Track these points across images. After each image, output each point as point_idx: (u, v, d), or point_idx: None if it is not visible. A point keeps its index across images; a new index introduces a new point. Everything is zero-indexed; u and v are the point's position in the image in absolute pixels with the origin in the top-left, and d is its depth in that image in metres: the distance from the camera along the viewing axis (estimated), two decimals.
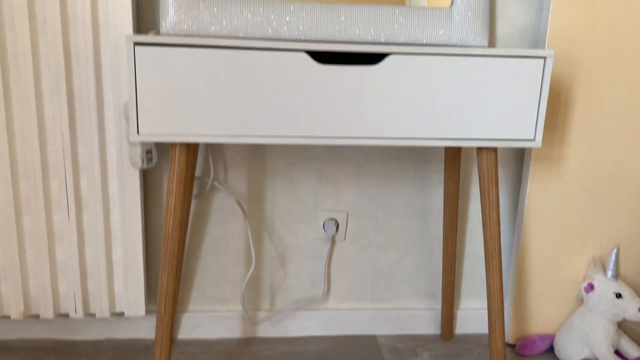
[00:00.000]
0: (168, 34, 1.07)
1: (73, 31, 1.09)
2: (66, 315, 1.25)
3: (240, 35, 1.10)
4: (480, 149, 1.02)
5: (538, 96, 0.96)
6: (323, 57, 0.91)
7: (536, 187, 1.26)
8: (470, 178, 1.33)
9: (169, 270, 0.97)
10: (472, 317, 1.41)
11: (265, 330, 1.36)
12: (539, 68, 0.95)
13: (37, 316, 1.25)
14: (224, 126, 0.91)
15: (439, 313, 1.40)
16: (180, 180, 0.96)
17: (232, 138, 0.91)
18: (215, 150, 1.25)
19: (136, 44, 0.86)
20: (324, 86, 0.91)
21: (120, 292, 1.23)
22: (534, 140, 0.98)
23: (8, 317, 1.23)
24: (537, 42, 1.26)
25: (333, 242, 1.34)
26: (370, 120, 0.93)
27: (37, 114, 1.11)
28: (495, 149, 1.01)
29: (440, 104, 0.94)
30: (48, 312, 1.20)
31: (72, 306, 1.21)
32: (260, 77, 0.89)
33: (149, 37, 0.86)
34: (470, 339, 1.38)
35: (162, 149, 1.23)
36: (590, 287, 1.25)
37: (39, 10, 1.08)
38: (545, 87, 0.96)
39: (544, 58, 0.94)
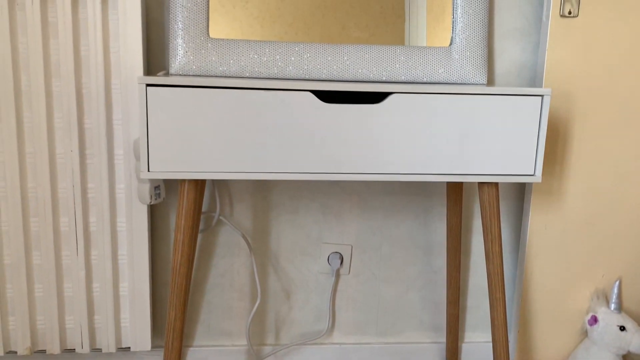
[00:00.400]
0: (177, 74, 1.11)
1: (85, 72, 1.13)
2: (72, 351, 1.26)
3: (247, 74, 1.14)
4: (481, 184, 1.04)
5: (537, 132, 0.99)
6: (328, 96, 0.94)
7: (537, 220, 1.28)
8: (472, 211, 1.35)
9: (177, 305, 0.99)
10: (477, 350, 1.41)
11: None
12: (537, 105, 0.98)
13: (43, 351, 1.25)
14: (232, 163, 0.94)
15: (444, 346, 1.40)
16: (189, 216, 0.98)
17: (239, 175, 0.94)
18: (221, 185, 1.28)
19: (148, 85, 0.90)
20: (328, 124, 0.94)
21: (127, 327, 1.24)
22: (534, 175, 1.00)
23: (15, 353, 1.24)
24: (535, 78, 1.29)
25: (337, 275, 1.35)
26: (373, 157, 0.96)
27: (48, 151, 1.13)
28: (496, 184, 1.04)
29: (442, 140, 0.97)
30: (54, 348, 1.21)
31: (79, 341, 1.22)
32: (267, 115, 0.93)
33: (160, 79, 0.90)
34: None
35: (170, 184, 1.26)
36: (594, 320, 1.26)
37: (53, 53, 1.12)
38: (543, 123, 0.98)
39: (542, 96, 0.98)
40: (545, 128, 0.99)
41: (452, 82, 1.19)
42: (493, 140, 0.98)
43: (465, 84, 1.19)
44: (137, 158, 1.13)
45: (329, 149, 0.95)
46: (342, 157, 0.95)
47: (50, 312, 1.19)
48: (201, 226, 1.29)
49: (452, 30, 1.20)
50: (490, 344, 1.41)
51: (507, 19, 1.27)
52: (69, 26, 1.09)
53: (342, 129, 0.94)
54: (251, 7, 1.15)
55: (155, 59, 1.21)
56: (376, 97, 0.95)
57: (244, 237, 1.29)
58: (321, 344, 1.37)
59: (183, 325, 1.00)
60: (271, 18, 1.16)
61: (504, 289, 1.07)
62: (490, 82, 1.30)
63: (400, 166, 0.97)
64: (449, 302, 1.32)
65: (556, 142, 1.26)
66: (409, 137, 0.96)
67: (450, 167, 0.98)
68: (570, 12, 1.20)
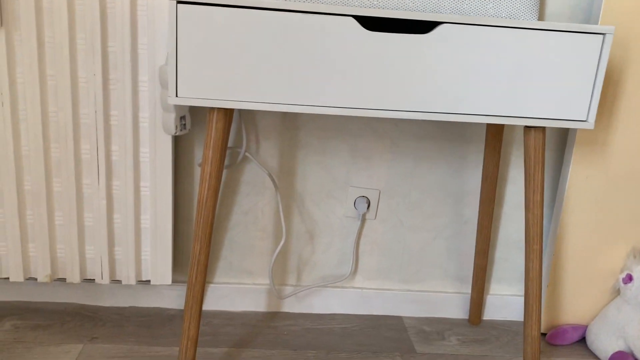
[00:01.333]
0: None
1: None
2: (92, 281, 1.24)
3: None
4: (528, 128, 0.97)
5: (594, 75, 0.91)
6: (371, 24, 0.87)
7: (578, 171, 1.22)
8: (508, 160, 1.28)
9: (202, 239, 0.95)
10: (502, 303, 1.37)
11: (291, 306, 1.34)
12: (597, 45, 0.90)
13: (63, 280, 1.24)
14: (265, 93, 0.88)
15: (468, 297, 1.36)
16: (217, 148, 0.93)
17: (273, 106, 0.88)
18: (248, 120, 1.22)
19: (179, 2, 0.83)
20: (370, 54, 0.87)
21: (147, 260, 1.21)
22: (586, 121, 0.94)
23: (35, 279, 1.22)
24: (589, 21, 1.20)
25: (363, 220, 1.31)
26: (416, 93, 0.89)
27: (70, 74, 1.08)
28: (543, 129, 0.97)
29: (490, 78, 0.90)
30: (74, 277, 1.19)
31: (99, 272, 1.20)
32: (305, 41, 0.86)
33: None
34: (499, 325, 1.35)
35: (196, 116, 1.20)
36: (629, 278, 1.21)
37: None
38: (602, 65, 0.91)
39: (603, 35, 0.90)
40: (604, 70, 0.91)
41: (502, 16, 1.10)
42: (545, 81, 0.91)
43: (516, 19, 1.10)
44: (163, 86, 1.07)
45: (368, 82, 0.88)
46: (382, 92, 0.89)
47: (70, 240, 1.17)
48: (226, 162, 1.24)
49: None
50: (515, 298, 1.37)
51: None
52: None
53: (384, 61, 0.88)
54: None
55: None
56: (424, 28, 0.88)
57: (269, 175, 1.25)
58: (343, 287, 1.34)
59: (207, 260, 0.97)
60: None
61: (542, 240, 1.02)
62: (541, 19, 1.20)
63: (445, 105, 0.90)
64: (477, 253, 1.28)
65: (606, 90, 1.18)
66: (456, 73, 0.89)
67: (498, 108, 0.92)
68: None
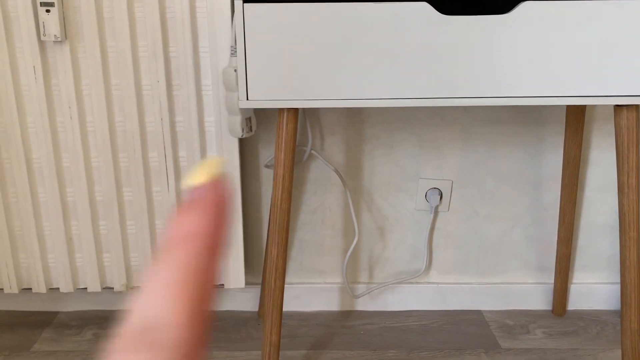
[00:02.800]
0: None
1: None
2: None
3: None
4: (619, 107, 0.90)
5: None
6: (447, 7, 0.82)
7: None
8: (589, 141, 1.20)
9: (279, 242, 0.93)
10: (587, 292, 1.30)
11: (365, 304, 1.31)
12: None
13: (139, 288, 1.25)
14: (337, 89, 0.84)
15: (550, 287, 1.30)
16: (289, 149, 0.91)
17: (346, 102, 0.85)
18: (312, 116, 1.19)
19: (245, 1, 0.80)
20: (447, 40, 0.82)
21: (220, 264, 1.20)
22: None
23: (111, 289, 1.24)
24: None
25: (436, 212, 1.26)
26: (498, 77, 0.84)
27: (134, 82, 1.07)
28: (637, 107, 0.90)
29: (576, 55, 0.83)
30: None
31: None
32: (377, 32, 0.82)
33: None
34: (586, 316, 1.28)
35: (261, 117, 1.18)
36: None
37: None
38: None
39: None
40: None
41: None
42: (636, 56, 0.84)
43: None
44: (228, 88, 1.05)
45: (447, 69, 0.83)
46: (462, 79, 0.84)
47: (144, 248, 1.17)
48: None
49: None
50: (601, 285, 1.30)
51: None
52: None
53: (462, 46, 0.82)
54: None
55: None
56: (503, 7, 0.82)
57: (336, 171, 1.21)
58: (417, 283, 1.30)
59: (285, 264, 0.95)
60: None
61: (639, 226, 0.95)
62: None
63: (528, 88, 0.84)
64: (559, 241, 1.21)
65: None
66: (539, 53, 0.83)
67: (585, 87, 0.85)
68: None
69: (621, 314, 0.99)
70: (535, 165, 1.22)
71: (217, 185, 0.18)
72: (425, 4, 0.81)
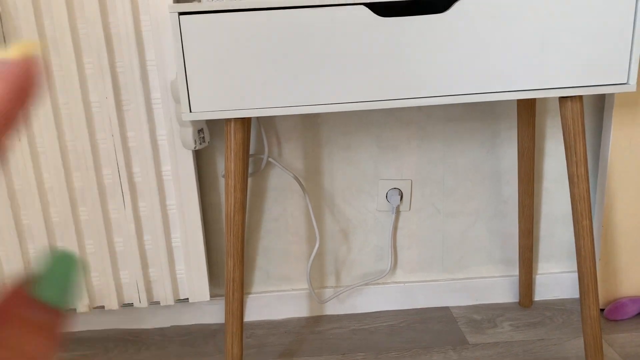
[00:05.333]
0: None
1: (112, 10, 1.03)
2: (131, 305, 1.22)
3: None
4: (563, 99, 0.91)
5: (631, 33, 0.84)
6: (384, 9, 0.82)
7: (620, 136, 1.15)
8: (543, 133, 1.22)
9: (234, 254, 0.92)
10: (552, 282, 1.31)
11: (333, 308, 1.30)
12: (631, 1, 0.83)
13: (102, 307, 1.23)
14: (280, 96, 0.83)
15: (516, 280, 1.31)
16: (238, 159, 0.90)
17: (290, 109, 0.84)
18: (267, 124, 1.18)
19: (181, 13, 0.79)
20: (386, 42, 0.82)
21: (183, 279, 1.19)
22: (627, 83, 0.87)
23: (74, 310, 1.21)
24: None
25: (397, 212, 1.26)
26: (439, 77, 0.84)
27: (82, 100, 1.06)
28: (580, 98, 0.91)
29: (518, 50, 0.84)
30: (112, 303, 1.18)
31: (136, 296, 1.18)
32: (316, 37, 0.81)
33: (194, 5, 0.79)
34: (552, 305, 1.29)
35: (214, 127, 1.17)
36: None
37: None
38: (638, 22, 0.84)
39: None
40: None
41: None
42: (576, 47, 0.85)
43: None
44: (177, 100, 1.04)
45: (388, 72, 0.83)
46: (403, 80, 0.84)
47: (103, 268, 1.16)
48: (250, 169, 1.21)
49: None
50: (565, 274, 1.31)
51: None
52: None
53: (402, 47, 0.82)
54: None
55: None
56: (440, 6, 0.82)
57: (295, 178, 1.21)
58: (384, 283, 1.30)
59: (242, 274, 0.94)
60: None
61: (591, 215, 0.95)
62: None
63: (472, 85, 0.85)
64: (521, 232, 1.22)
65: None
66: (479, 51, 0.83)
67: (528, 81, 0.86)
68: None
69: (580, 302, 1.00)
70: (492, 160, 1.23)
71: (24, 63, 0.17)
72: (362, 7, 0.81)
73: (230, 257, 0.92)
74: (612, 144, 1.15)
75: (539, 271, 1.32)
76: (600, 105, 1.20)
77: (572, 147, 0.93)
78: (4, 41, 1.02)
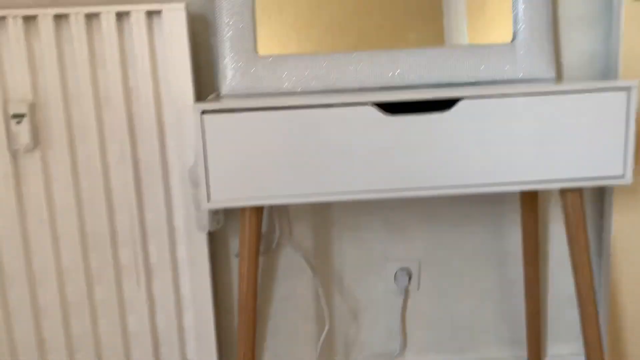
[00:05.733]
0: (229, 95, 1.07)
1: (136, 101, 1.10)
2: None
3: (299, 89, 1.09)
4: (564, 191, 0.95)
5: (624, 130, 0.89)
6: (390, 107, 0.88)
7: (622, 220, 1.18)
8: (548, 216, 1.25)
9: (246, 339, 0.94)
10: None
11: None
12: (623, 100, 0.89)
13: None
14: (294, 186, 0.88)
15: None
16: (252, 244, 0.94)
17: (302, 198, 0.89)
18: (279, 205, 1.23)
19: (203, 112, 0.85)
20: (393, 137, 0.88)
21: (194, 359, 1.20)
22: (623, 177, 0.91)
23: None
24: (608, 69, 1.19)
25: (406, 293, 1.28)
26: (443, 169, 0.89)
27: (104, 185, 1.11)
28: (580, 190, 0.95)
29: (517, 146, 0.89)
30: None
31: None
32: (327, 133, 0.87)
33: (215, 104, 0.85)
34: None
35: (228, 209, 1.22)
36: None
37: (102, 85, 1.09)
38: (631, 119, 0.89)
39: (628, 89, 0.88)
40: (634, 124, 0.89)
41: (519, 78, 1.11)
42: (573, 142, 0.89)
43: (533, 79, 1.10)
44: (194, 185, 1.09)
45: (395, 165, 0.88)
46: (410, 172, 0.89)
47: (115, 347, 1.17)
48: (261, 249, 1.24)
49: (514, 24, 1.12)
50: (574, 357, 1.31)
51: (572, 7, 1.18)
52: (116, 55, 1.07)
53: (408, 142, 0.88)
54: (286, 15, 1.10)
55: (204, 81, 1.18)
56: (444, 105, 0.88)
57: (305, 258, 1.24)
58: None
59: (254, 359, 0.95)
60: (307, 24, 1.11)
61: (595, 302, 0.97)
62: (559, 75, 1.20)
63: (474, 177, 0.89)
64: (528, 314, 1.23)
65: (636, 137, 1.15)
66: (481, 146, 0.89)
67: (529, 173, 0.90)
68: None
69: None
70: (498, 242, 1.26)
71: None
72: (370, 106, 0.87)
73: (242, 342, 0.94)
74: (615, 228, 1.18)
75: (548, 353, 1.31)
76: (601, 189, 1.24)
77: (574, 236, 0.96)
78: (36, 130, 1.08)
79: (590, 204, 1.25)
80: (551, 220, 1.25)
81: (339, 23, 1.11)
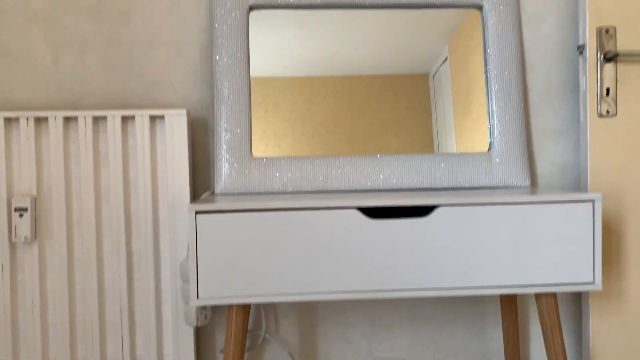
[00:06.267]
0: (222, 194, 1.13)
1: (134, 196, 1.16)
2: None
3: (290, 190, 1.16)
4: (539, 295, 1.00)
5: (592, 238, 0.96)
6: (374, 211, 0.94)
7: (599, 324, 1.21)
8: (528, 317, 1.28)
9: None
10: None
11: None
12: (589, 210, 0.96)
13: None
14: (281, 285, 0.92)
15: None
16: (238, 342, 0.96)
17: (288, 297, 0.92)
18: (266, 303, 1.25)
19: (198, 212, 0.91)
20: (375, 240, 0.93)
21: None
22: (593, 283, 0.96)
23: None
24: (580, 178, 1.28)
25: None
26: (423, 272, 0.94)
27: (97, 276, 1.15)
28: (554, 294, 0.99)
29: (493, 251, 0.94)
30: None
31: None
32: (314, 234, 0.92)
33: (209, 205, 0.91)
34: None
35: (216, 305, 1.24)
36: None
37: (104, 180, 1.16)
38: (597, 229, 0.95)
39: (592, 201, 0.95)
40: (600, 234, 0.95)
41: (496, 186, 1.18)
42: (546, 248, 0.95)
43: (509, 187, 1.18)
44: (184, 280, 1.13)
45: (378, 266, 0.93)
46: (392, 274, 0.93)
47: None
48: (247, 344, 1.26)
49: (490, 135, 1.21)
50: None
51: (544, 121, 1.28)
52: (119, 154, 1.14)
53: (389, 244, 0.93)
54: (282, 110, 1.19)
55: (200, 178, 1.25)
56: (423, 210, 0.95)
57: (291, 355, 1.25)
58: None
59: None
60: (302, 119, 1.20)
61: None
62: (534, 183, 1.28)
63: (452, 280, 0.94)
64: None
65: (609, 242, 1.21)
66: (459, 250, 0.94)
67: (504, 278, 0.95)
68: (608, 112, 1.20)
69: None
70: (480, 342, 1.28)
71: None
72: (354, 210, 0.93)
73: None
74: (593, 331, 1.21)
75: None
76: (578, 293, 1.28)
77: (550, 340, 0.99)
78: (36, 222, 1.13)
79: (569, 307, 1.29)
80: (531, 321, 1.28)
81: (333, 118, 1.20)
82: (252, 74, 1.19)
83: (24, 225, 1.11)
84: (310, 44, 1.21)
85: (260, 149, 1.18)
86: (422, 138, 1.21)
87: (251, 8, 1.20)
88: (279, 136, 1.19)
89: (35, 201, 1.13)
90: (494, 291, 0.94)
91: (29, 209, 1.11)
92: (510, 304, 1.19)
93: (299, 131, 1.20)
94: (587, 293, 1.23)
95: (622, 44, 1.20)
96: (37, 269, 1.13)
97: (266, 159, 1.17)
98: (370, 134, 1.20)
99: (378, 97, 1.22)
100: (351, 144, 1.20)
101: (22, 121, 1.13)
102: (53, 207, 1.14)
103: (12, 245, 1.13)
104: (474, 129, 1.22)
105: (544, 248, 0.95)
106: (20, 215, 1.11)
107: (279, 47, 1.20)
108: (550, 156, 1.28)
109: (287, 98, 1.20)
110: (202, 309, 1.15)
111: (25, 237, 1.11)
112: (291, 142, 1.19)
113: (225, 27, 1.18)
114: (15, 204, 1.11)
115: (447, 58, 1.23)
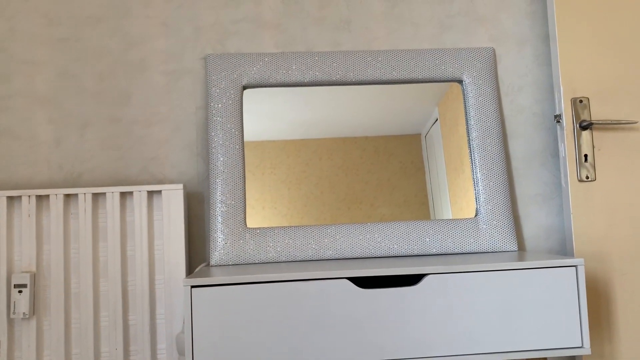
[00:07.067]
0: (217, 265, 1.16)
1: (131, 271, 1.19)
2: None
3: (284, 259, 1.19)
4: None
5: (577, 302, 0.98)
6: (364, 281, 0.97)
7: None
8: None
9: None
10: None
11: None
12: (573, 275, 0.99)
13: None
14: (273, 355, 0.94)
15: None
16: None
17: None
18: None
19: (193, 287, 0.94)
20: (366, 308, 0.95)
21: None
22: (582, 347, 0.98)
23: None
24: (565, 240, 1.31)
25: None
26: (413, 340, 0.95)
27: (94, 350, 1.15)
28: (545, 359, 1.01)
29: (482, 318, 0.97)
30: None
31: None
32: (306, 304, 0.95)
33: (205, 280, 0.94)
34: None
35: None
36: None
37: (102, 255, 1.19)
38: (582, 294, 0.98)
39: (575, 267, 0.99)
40: (585, 298, 0.98)
41: (483, 250, 1.22)
42: (534, 314, 0.97)
43: (496, 251, 1.21)
44: (180, 352, 1.14)
45: (369, 334, 0.95)
46: (383, 342, 0.95)
47: None
48: None
49: (476, 202, 1.26)
50: None
51: (528, 186, 1.33)
52: (117, 230, 1.18)
53: (380, 313, 0.95)
54: (278, 172, 1.24)
55: (196, 249, 1.28)
56: (413, 279, 0.98)
57: None
58: None
59: None
60: (297, 181, 1.24)
61: None
62: (521, 246, 1.32)
63: (443, 348, 0.96)
64: None
65: (598, 304, 1.23)
66: (448, 317, 0.96)
67: (494, 344, 0.97)
68: (587, 177, 1.25)
69: None
70: None
71: None
72: (345, 280, 0.96)
73: None
74: None
75: None
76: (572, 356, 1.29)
77: None
78: (34, 297, 1.16)
79: None
80: None
81: (328, 179, 1.25)
82: (249, 138, 1.25)
83: (22, 302, 1.13)
84: (304, 110, 1.28)
85: (257, 211, 1.22)
86: (416, 196, 1.25)
87: (245, 87, 1.27)
88: (275, 198, 1.23)
89: (34, 277, 1.16)
90: (484, 358, 0.96)
91: (28, 286, 1.13)
92: None
93: (295, 192, 1.24)
94: (580, 356, 1.24)
95: (596, 112, 1.27)
96: (34, 344, 1.14)
97: (260, 229, 1.21)
98: (366, 193, 1.25)
99: (372, 158, 1.27)
100: (346, 204, 1.24)
101: (24, 199, 1.17)
102: (52, 282, 1.16)
103: (10, 322, 1.15)
104: (466, 187, 1.26)
105: (532, 313, 0.97)
106: (20, 292, 1.13)
107: (273, 112, 1.27)
108: (536, 220, 1.32)
109: (283, 160, 1.25)
110: None
111: (23, 314, 1.13)
112: (287, 203, 1.23)
113: (220, 106, 1.24)
114: (15, 280, 1.13)
115: (437, 119, 1.29)
